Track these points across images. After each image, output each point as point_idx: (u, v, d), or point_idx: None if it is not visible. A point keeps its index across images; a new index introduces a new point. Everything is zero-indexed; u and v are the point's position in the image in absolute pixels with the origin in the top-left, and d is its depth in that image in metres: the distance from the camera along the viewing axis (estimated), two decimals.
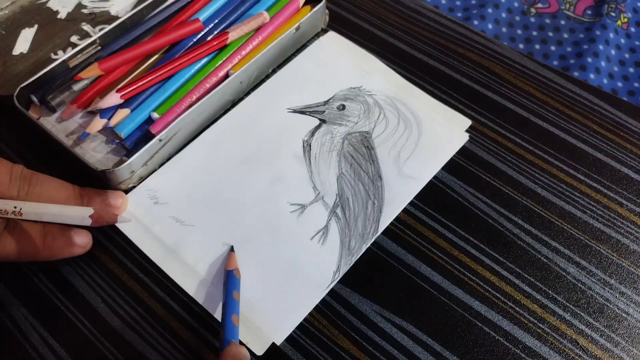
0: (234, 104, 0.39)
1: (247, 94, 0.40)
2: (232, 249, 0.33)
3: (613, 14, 0.52)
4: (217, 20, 0.41)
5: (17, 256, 0.30)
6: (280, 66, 0.41)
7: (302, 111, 0.39)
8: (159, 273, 0.32)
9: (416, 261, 0.33)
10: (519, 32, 0.51)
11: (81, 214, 0.30)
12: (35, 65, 0.40)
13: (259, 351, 0.30)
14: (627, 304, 0.32)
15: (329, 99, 0.39)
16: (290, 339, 0.30)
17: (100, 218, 0.31)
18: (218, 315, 0.31)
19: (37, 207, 0.29)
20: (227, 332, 0.28)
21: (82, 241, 0.32)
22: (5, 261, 0.30)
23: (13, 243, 0.30)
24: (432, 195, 0.36)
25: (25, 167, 0.31)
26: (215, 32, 0.40)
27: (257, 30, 0.40)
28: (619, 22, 0.52)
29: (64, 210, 0.30)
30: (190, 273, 0.32)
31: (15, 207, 0.29)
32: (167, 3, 0.42)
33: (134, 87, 0.36)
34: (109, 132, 0.36)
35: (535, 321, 0.32)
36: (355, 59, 0.42)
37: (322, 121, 0.38)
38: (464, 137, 0.38)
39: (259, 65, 0.39)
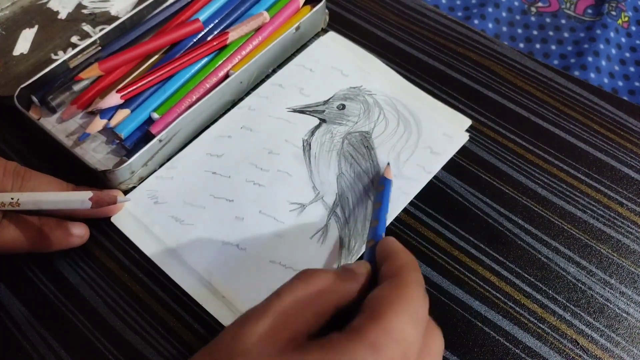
0: (234, 104, 0.39)
1: (247, 94, 0.40)
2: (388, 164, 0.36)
3: (614, 13, 0.51)
4: (217, 21, 0.41)
5: (15, 247, 0.30)
6: (280, 66, 0.41)
7: (302, 111, 0.39)
8: (159, 273, 0.32)
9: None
10: (520, 31, 0.51)
11: (80, 198, 0.30)
12: (36, 66, 0.40)
13: None
14: (627, 304, 0.32)
15: (329, 99, 0.39)
16: None
17: (100, 200, 0.30)
18: (217, 315, 0.31)
19: (35, 196, 0.29)
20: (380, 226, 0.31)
21: (79, 232, 0.32)
22: (2, 253, 0.30)
23: (10, 234, 0.30)
24: (432, 195, 0.36)
25: (20, 164, 0.31)
26: (215, 32, 0.40)
27: (257, 30, 0.40)
28: (619, 21, 0.51)
29: (62, 196, 0.30)
30: (190, 273, 0.32)
31: (12, 199, 0.29)
32: (167, 3, 0.42)
33: (134, 87, 0.36)
34: (109, 133, 0.36)
35: (535, 321, 0.32)
36: (355, 59, 0.42)
37: (322, 121, 0.38)
38: (464, 137, 0.38)
39: (259, 65, 0.39)
